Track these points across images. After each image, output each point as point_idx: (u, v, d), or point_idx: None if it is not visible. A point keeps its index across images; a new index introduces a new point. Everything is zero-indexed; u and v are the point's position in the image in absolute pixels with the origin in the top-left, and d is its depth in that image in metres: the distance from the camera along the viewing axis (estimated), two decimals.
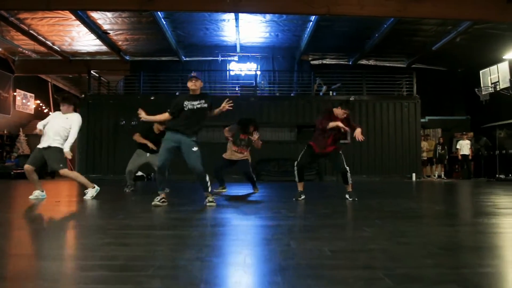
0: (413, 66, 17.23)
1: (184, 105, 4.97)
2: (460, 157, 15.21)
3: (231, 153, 7.31)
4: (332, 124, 5.73)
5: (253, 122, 7.38)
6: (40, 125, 5.99)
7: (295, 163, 6.15)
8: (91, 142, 14.82)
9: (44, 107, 19.44)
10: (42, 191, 6.04)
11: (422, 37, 14.26)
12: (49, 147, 5.76)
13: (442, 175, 15.88)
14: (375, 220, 3.68)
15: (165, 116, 5.14)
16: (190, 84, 5.07)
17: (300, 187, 6.14)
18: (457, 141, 16.01)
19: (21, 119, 18.15)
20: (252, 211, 4.71)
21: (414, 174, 14.77)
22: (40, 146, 5.87)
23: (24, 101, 18.35)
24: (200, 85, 5.16)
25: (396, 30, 13.41)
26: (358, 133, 5.79)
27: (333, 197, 6.89)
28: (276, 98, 15.89)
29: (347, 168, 6.02)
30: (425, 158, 15.91)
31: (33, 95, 18.98)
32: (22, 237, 3.09)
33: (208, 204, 4.98)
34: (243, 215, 4.32)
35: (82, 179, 6.16)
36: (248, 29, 14.57)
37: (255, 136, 7.17)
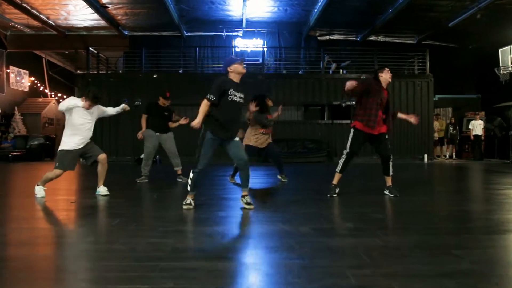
0: (424, 42, 16.62)
1: (229, 93, 4.25)
2: (472, 137, 14.79)
3: (256, 138, 6.78)
4: (348, 85, 4.89)
5: (267, 96, 7.05)
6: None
7: (345, 150, 5.30)
8: None
9: (39, 84, 18.63)
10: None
11: (438, 12, 13.59)
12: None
13: (453, 156, 15.51)
14: (465, 234, 3.20)
15: (205, 104, 4.26)
16: (241, 68, 4.35)
17: (336, 179, 5.38)
18: (468, 120, 15.58)
19: (15, 97, 17.37)
20: (301, 221, 4.21)
21: (426, 155, 14.38)
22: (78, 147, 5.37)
23: (18, 78, 17.52)
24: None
25: (411, 5, 12.73)
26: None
27: (367, 191, 6.35)
28: (283, 76, 15.23)
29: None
30: (436, 138, 15.48)
31: (27, 71, 18.13)
32: None
33: (246, 206, 4.41)
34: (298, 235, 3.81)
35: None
36: (255, 3, 13.80)
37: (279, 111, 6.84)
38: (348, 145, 5.31)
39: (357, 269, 2.41)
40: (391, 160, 5.35)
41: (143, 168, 7.40)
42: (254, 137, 6.79)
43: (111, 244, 3.03)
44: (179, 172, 7.38)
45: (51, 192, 5.50)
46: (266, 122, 6.68)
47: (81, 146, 5.34)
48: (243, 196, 4.49)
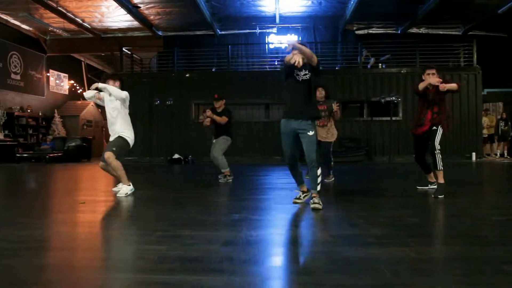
0: (470, 33, 15.53)
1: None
2: None
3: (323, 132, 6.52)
4: (422, 85, 4.90)
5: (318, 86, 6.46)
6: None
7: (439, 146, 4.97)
8: None
9: (78, 87, 18.98)
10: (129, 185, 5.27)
11: None
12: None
13: (505, 154, 14.34)
14: (506, 246, 2.60)
15: None
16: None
17: (431, 178, 5.31)
18: None
19: (55, 100, 17.76)
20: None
21: (474, 154, 13.33)
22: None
23: (57, 81, 17.90)
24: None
25: None
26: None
27: (406, 191, 5.76)
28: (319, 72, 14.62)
29: (438, 146, 4.86)
30: (485, 135, 14.37)
31: (66, 75, 18.53)
32: None
33: (312, 205, 4.06)
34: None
35: (122, 172, 5.19)
36: None
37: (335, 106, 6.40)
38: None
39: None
40: (437, 152, 4.90)
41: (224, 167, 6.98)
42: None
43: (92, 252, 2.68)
44: (227, 173, 6.90)
45: (65, 193, 5.29)
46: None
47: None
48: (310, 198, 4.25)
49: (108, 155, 5.03)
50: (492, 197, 5.03)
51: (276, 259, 2.48)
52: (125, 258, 2.59)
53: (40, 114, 16.52)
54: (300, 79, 4.18)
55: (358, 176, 8.27)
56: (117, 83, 5.40)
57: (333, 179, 6.68)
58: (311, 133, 4.08)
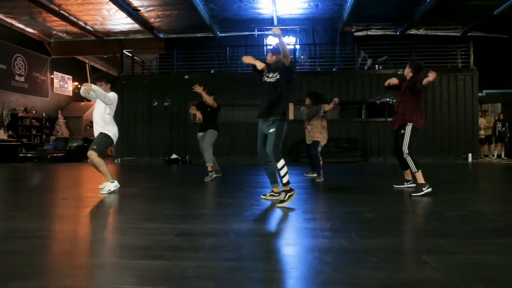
0: (469, 34, 15.55)
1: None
2: None
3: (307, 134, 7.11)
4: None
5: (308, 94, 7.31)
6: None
7: (407, 150, 5.01)
8: (125, 124, 14.40)
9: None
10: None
11: (481, 0, 12.64)
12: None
13: (502, 155, 14.34)
14: (440, 239, 2.75)
15: None
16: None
17: (407, 175, 5.52)
18: None
19: (59, 101, 18.11)
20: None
21: (470, 154, 13.37)
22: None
23: (61, 83, 18.26)
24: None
25: None
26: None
27: (383, 189, 5.89)
28: (317, 73, 14.77)
29: (406, 150, 4.98)
30: (483, 136, 14.39)
31: (70, 77, 18.89)
32: None
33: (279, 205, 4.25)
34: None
35: (105, 169, 5.44)
36: (285, 0, 13.49)
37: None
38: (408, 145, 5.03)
39: (293, 275, 2.08)
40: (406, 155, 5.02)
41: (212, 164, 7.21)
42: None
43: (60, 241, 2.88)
44: (209, 169, 7.11)
45: (51, 190, 5.52)
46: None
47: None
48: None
49: (90, 153, 5.28)
50: (462, 195, 5.13)
51: (216, 247, 2.65)
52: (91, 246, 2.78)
53: (44, 115, 16.88)
54: (268, 81, 4.38)
55: (344, 176, 8.40)
56: (108, 86, 5.65)
57: (323, 178, 6.85)
58: (271, 130, 4.27)
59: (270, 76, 4.39)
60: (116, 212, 4.14)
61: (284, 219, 3.65)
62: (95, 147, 5.36)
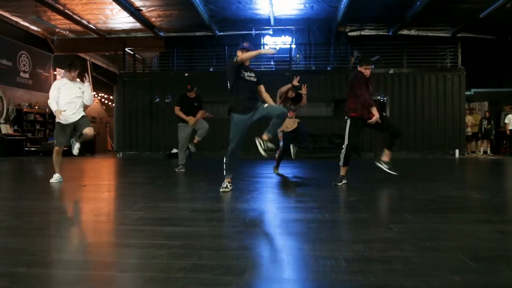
0: (459, 35, 16.20)
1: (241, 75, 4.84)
2: (508, 132, 14.28)
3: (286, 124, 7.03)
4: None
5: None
6: (54, 105, 5.83)
7: (344, 145, 5.38)
8: (127, 120, 15.00)
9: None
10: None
11: (469, 3, 13.26)
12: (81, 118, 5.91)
13: (488, 151, 15.04)
14: (406, 214, 3.38)
15: None
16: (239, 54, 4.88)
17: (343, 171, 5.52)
18: (506, 114, 15.04)
19: None
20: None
21: (457, 150, 14.06)
22: (66, 122, 5.87)
23: None
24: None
25: None
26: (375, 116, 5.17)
27: (368, 179, 6.51)
28: (311, 72, 15.40)
29: (346, 141, 5.38)
30: (470, 134, 15.07)
31: None
32: None
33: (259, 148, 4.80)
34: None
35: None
36: (281, 1, 14.07)
37: (304, 90, 7.04)
38: (346, 139, 5.40)
39: (285, 235, 2.71)
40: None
41: (179, 158, 7.97)
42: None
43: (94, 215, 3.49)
44: (195, 141, 7.91)
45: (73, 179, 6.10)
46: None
47: (72, 121, 5.88)
48: (261, 138, 4.82)
49: (91, 129, 5.94)
50: (437, 184, 5.76)
51: (224, 219, 3.26)
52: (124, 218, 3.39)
53: (47, 110, 17.38)
54: (251, 79, 4.95)
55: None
56: (70, 74, 5.97)
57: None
58: (266, 105, 4.85)
59: (249, 74, 4.92)
60: (133, 195, 4.74)
61: (279, 200, 4.27)
62: (91, 125, 6.00)
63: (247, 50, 4.83)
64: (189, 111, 7.86)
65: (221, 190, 4.70)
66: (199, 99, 8.06)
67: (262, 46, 16.78)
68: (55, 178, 5.82)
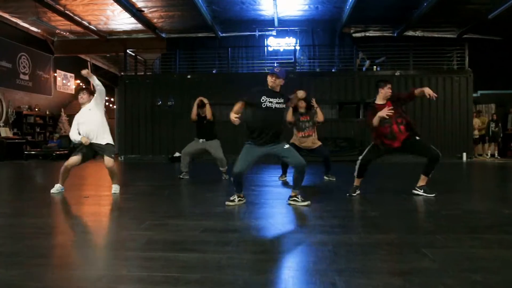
0: (465, 36, 15.95)
1: (262, 101, 4.48)
2: None
3: (300, 140, 6.85)
4: (376, 120, 4.97)
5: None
6: (75, 135, 5.60)
7: (360, 158, 5.30)
8: (129, 123, 14.75)
9: (84, 87, 19.55)
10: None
11: (477, 4, 13.02)
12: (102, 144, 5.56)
13: (496, 155, 14.78)
14: (436, 235, 3.13)
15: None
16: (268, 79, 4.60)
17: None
18: None
19: (62, 99, 18.38)
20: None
21: (464, 154, 13.81)
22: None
23: (64, 81, 18.52)
24: (280, 82, 4.62)
25: None
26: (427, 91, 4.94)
27: (385, 190, 6.27)
28: (316, 74, 15.14)
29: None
30: (477, 136, 14.82)
31: (73, 75, 19.14)
32: None
33: (303, 203, 4.48)
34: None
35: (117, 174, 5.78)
36: (286, 2, 13.82)
37: (315, 104, 6.76)
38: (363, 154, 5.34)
39: (313, 264, 2.45)
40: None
41: (181, 165, 7.59)
42: (297, 139, 6.88)
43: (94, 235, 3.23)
44: (224, 171, 7.53)
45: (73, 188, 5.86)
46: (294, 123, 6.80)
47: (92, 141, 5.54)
48: (291, 197, 4.58)
49: (110, 160, 5.54)
50: (457, 195, 5.51)
51: (241, 242, 3.01)
52: (123, 239, 3.14)
53: (48, 113, 17.15)
54: (274, 106, 4.57)
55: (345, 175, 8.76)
56: (91, 97, 5.82)
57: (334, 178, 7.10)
58: (286, 146, 4.60)
59: (273, 100, 4.51)
60: (139, 209, 4.49)
61: (294, 216, 4.02)
62: (113, 155, 5.62)
63: (277, 76, 4.53)
64: (199, 130, 7.51)
65: (226, 203, 4.50)
66: (207, 118, 7.47)
67: (265, 47, 16.58)
68: (56, 188, 5.56)
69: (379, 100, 5.29)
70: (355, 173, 5.27)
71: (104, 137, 5.59)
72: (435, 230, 3.32)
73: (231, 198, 4.58)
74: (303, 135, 6.80)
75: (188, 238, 3.09)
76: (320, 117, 6.86)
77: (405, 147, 5.14)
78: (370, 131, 5.30)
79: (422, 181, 5.23)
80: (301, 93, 6.20)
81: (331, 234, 3.19)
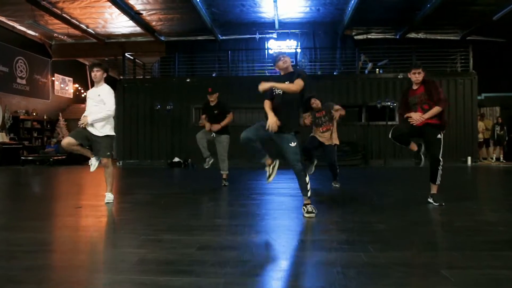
0: (468, 38, 15.71)
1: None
2: None
3: (319, 135, 6.82)
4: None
5: (311, 97, 6.72)
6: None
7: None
8: (127, 127, 14.51)
9: (82, 91, 19.36)
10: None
11: (481, 5, 12.80)
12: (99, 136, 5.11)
13: (501, 158, 14.51)
14: (453, 252, 2.87)
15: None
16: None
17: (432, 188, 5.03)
18: None
19: (60, 103, 18.16)
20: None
21: (469, 158, 13.54)
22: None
23: (62, 85, 18.31)
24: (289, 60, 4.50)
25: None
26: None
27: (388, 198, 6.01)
28: (318, 77, 14.90)
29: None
30: (481, 140, 14.56)
31: (71, 79, 18.93)
32: None
33: (306, 215, 4.17)
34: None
35: (112, 180, 5.37)
36: (286, 4, 13.61)
37: (335, 107, 6.73)
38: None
39: None
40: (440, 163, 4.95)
41: (202, 151, 7.16)
42: (317, 133, 6.85)
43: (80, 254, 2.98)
44: (224, 176, 7.22)
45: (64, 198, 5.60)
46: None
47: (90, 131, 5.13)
48: (304, 205, 4.28)
49: (107, 162, 5.24)
50: (468, 203, 5.24)
51: (240, 262, 2.76)
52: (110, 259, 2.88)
53: (45, 117, 16.93)
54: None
55: (357, 181, 8.52)
56: (104, 74, 5.35)
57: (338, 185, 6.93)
58: (293, 144, 4.26)
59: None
60: (134, 221, 4.23)
61: (298, 230, 3.76)
62: (108, 153, 5.20)
63: (283, 55, 4.49)
64: (210, 121, 7.08)
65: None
66: (220, 106, 7.16)
67: (266, 50, 16.35)
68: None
69: (413, 85, 5.15)
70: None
71: (105, 128, 5.16)
72: (451, 246, 3.06)
73: (268, 173, 4.32)
74: (322, 130, 6.79)
75: (183, 257, 2.82)
76: (337, 113, 6.74)
77: (424, 131, 4.96)
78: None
79: (433, 189, 5.02)
80: (307, 120, 6.53)
81: (338, 251, 2.93)
